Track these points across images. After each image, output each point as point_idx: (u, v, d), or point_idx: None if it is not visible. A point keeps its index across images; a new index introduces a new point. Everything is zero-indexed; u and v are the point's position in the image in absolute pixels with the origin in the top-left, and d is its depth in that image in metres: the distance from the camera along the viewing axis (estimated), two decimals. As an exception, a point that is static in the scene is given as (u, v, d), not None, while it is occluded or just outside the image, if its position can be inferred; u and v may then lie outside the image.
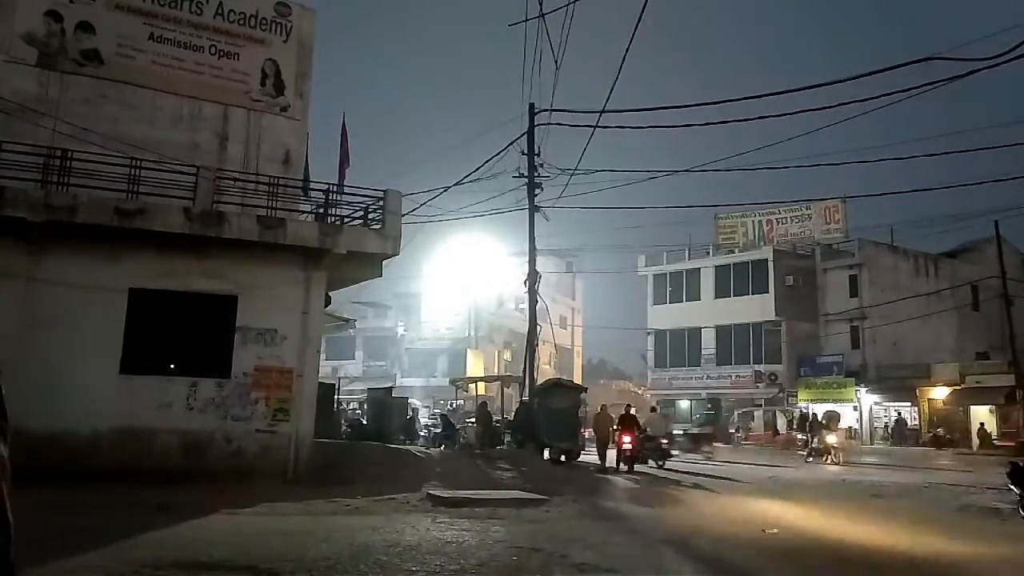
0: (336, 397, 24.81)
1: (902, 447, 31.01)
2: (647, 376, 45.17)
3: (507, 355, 48.22)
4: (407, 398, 31.39)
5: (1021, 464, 10.64)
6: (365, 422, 25.91)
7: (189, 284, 12.76)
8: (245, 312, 12.96)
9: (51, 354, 11.36)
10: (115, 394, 11.99)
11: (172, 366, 12.62)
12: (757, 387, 37.52)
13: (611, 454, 18.81)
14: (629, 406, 21.32)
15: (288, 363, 13.06)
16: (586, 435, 21.92)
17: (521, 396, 21.70)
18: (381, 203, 13.75)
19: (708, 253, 41.11)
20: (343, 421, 26.12)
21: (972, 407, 31.88)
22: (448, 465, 15.44)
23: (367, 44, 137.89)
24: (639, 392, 50.43)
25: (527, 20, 15.14)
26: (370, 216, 14.04)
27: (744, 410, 37.04)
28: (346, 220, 14.22)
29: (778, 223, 38.63)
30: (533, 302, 21.17)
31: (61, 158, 12.03)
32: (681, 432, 25.38)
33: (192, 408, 12.44)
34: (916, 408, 33.70)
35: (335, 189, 14.54)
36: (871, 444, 33.38)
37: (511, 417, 22.36)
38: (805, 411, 32.96)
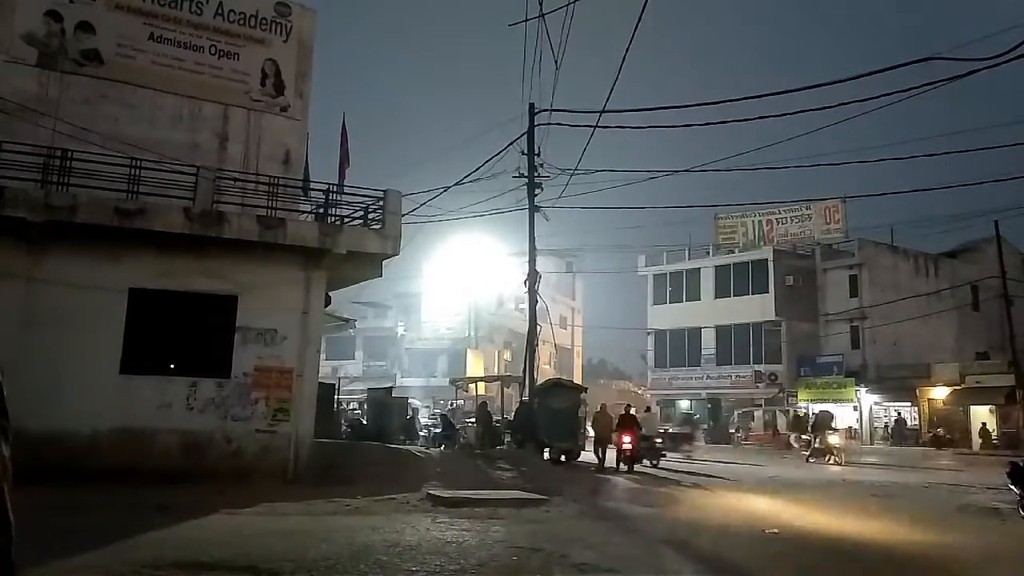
0: (336, 397, 24.81)
1: (902, 447, 31.02)
2: (647, 376, 45.19)
3: (507, 355, 48.23)
4: (407, 398, 31.39)
5: (1021, 464, 10.64)
6: (365, 422, 25.90)
7: (189, 284, 12.76)
8: (245, 312, 12.96)
9: (51, 354, 11.36)
10: (115, 394, 11.99)
11: (172, 366, 12.62)
12: (757, 387, 37.53)
13: (610, 454, 18.82)
14: (629, 406, 21.34)
15: (288, 363, 13.06)
16: (589, 435, 21.90)
17: (521, 396, 21.70)
18: (381, 203, 13.75)
19: (708, 253, 41.12)
20: (343, 421, 26.11)
21: (972, 407, 31.89)
22: (448, 465, 15.44)
23: (367, 44, 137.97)
24: (639, 392, 50.45)
25: (527, 20, 15.16)
26: (370, 216, 14.04)
27: (744, 410, 37.06)
28: (346, 220, 14.22)
29: (778, 223, 38.64)
30: (533, 302, 21.17)
31: (61, 158, 12.03)
32: (662, 431, 25.44)
33: (192, 408, 12.44)
34: (916, 408, 33.70)
35: (335, 189, 14.54)
36: (871, 444, 33.39)
37: (511, 417, 22.36)
38: (799, 411, 33.31)
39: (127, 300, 12.34)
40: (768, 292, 37.56)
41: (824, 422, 23.97)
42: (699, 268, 40.92)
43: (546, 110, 19.62)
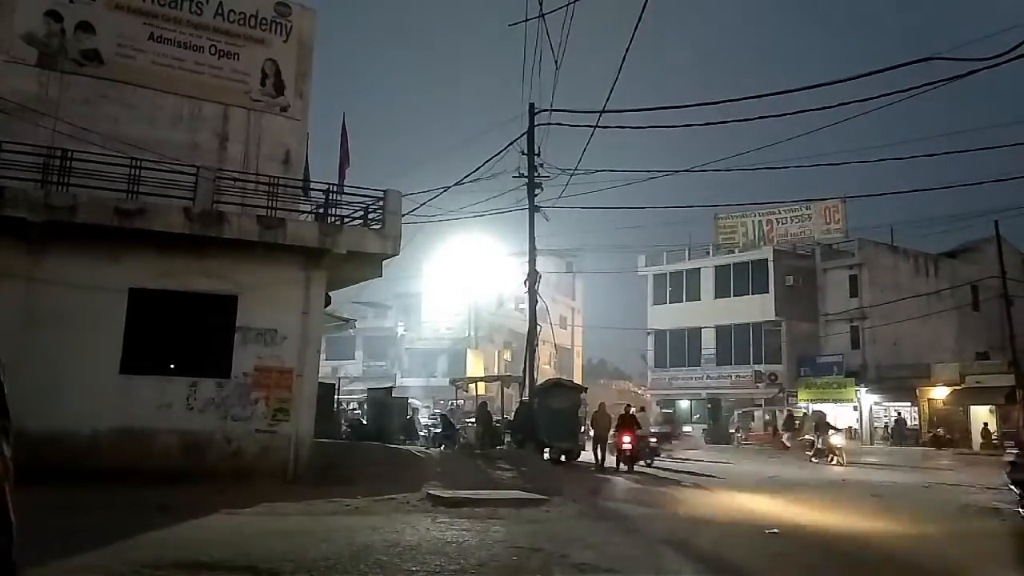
0: (336, 397, 24.80)
1: (902, 447, 31.00)
2: (647, 376, 45.18)
3: (507, 355, 48.23)
4: (407, 398, 31.38)
5: (1021, 464, 10.62)
6: (365, 422, 25.89)
7: (189, 284, 12.76)
8: (245, 312, 12.96)
9: (51, 354, 11.36)
10: (115, 394, 11.99)
11: (172, 366, 12.62)
12: (757, 387, 37.53)
13: (609, 455, 18.85)
14: (629, 406, 21.35)
15: (288, 363, 13.06)
16: (589, 435, 21.92)
17: (521, 396, 21.69)
18: (381, 203, 13.75)
19: (708, 253, 41.11)
20: (343, 421, 26.10)
21: (972, 407, 31.88)
22: (448, 465, 15.44)
23: (367, 44, 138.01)
24: (639, 392, 50.45)
25: (527, 20, 15.14)
26: (370, 216, 14.04)
27: (744, 410, 37.06)
28: (346, 220, 14.22)
29: (778, 223, 38.64)
30: (533, 302, 21.16)
31: (61, 158, 12.03)
32: (653, 431, 25.50)
33: (192, 408, 12.44)
34: (916, 408, 33.70)
35: (335, 189, 14.54)
36: (871, 444, 33.38)
37: (511, 417, 22.36)
38: (792, 411, 33.57)
39: (127, 300, 12.34)
40: (768, 292, 37.56)
41: (821, 422, 24.01)
42: (699, 268, 40.92)
43: (546, 110, 19.63)
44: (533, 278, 21.09)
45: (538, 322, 20.97)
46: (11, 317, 11.25)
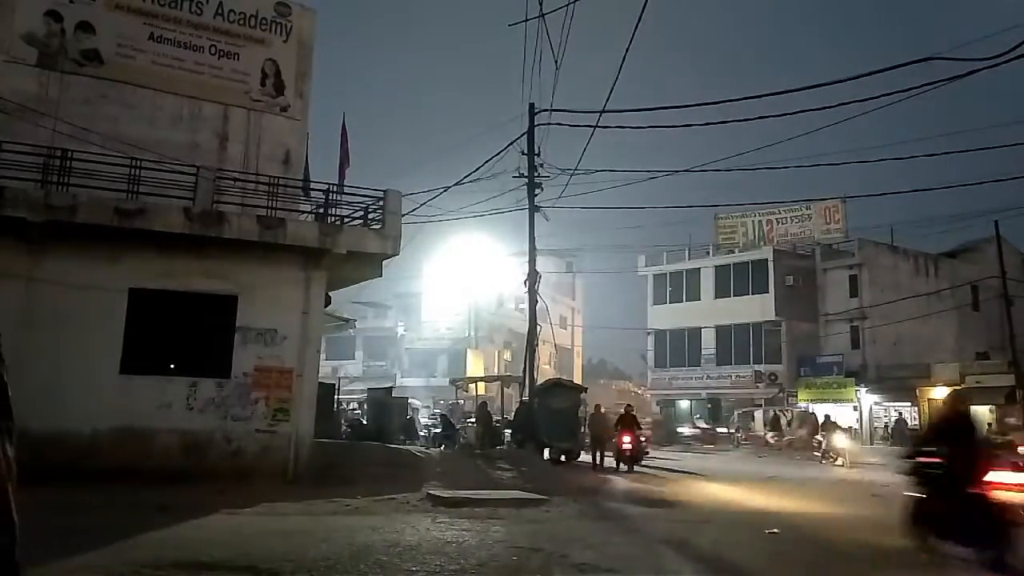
0: (336, 397, 24.80)
1: (903, 447, 30.98)
2: (647, 376, 45.17)
3: (507, 355, 48.22)
4: (407, 398, 31.38)
5: (1022, 464, 10.63)
6: (365, 422, 25.90)
7: (189, 284, 12.76)
8: (245, 312, 12.96)
9: (51, 354, 11.36)
10: (115, 394, 12.00)
11: (172, 366, 12.63)
12: (757, 387, 37.51)
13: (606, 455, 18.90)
14: (629, 406, 21.37)
15: (288, 363, 13.06)
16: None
17: (521, 396, 21.70)
18: (381, 203, 13.76)
19: (708, 253, 41.09)
20: (343, 421, 26.11)
21: (972, 407, 31.81)
22: (448, 465, 15.44)
23: (367, 44, 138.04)
24: (639, 392, 50.45)
25: (527, 20, 15.14)
26: (370, 216, 14.05)
27: (744, 410, 37.05)
28: (346, 220, 14.22)
29: (778, 223, 38.62)
30: (533, 302, 21.16)
31: (61, 158, 12.03)
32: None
33: (192, 408, 12.45)
34: (916, 408, 33.67)
35: (335, 189, 14.54)
36: (871, 444, 33.36)
37: (511, 417, 22.37)
38: (775, 412, 33.93)
39: (127, 300, 12.35)
40: (768, 292, 37.53)
41: (828, 422, 24.21)
42: (699, 268, 40.89)
43: (546, 110, 19.64)
44: (533, 278, 21.09)
45: (538, 322, 20.97)
46: (11, 317, 11.23)
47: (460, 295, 45.97)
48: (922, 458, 7.86)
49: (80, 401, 11.62)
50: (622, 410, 19.79)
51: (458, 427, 24.88)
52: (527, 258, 21.61)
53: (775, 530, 9.26)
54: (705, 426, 33.98)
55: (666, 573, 7.17)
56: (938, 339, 35.86)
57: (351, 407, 32.16)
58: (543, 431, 19.33)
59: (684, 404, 41.30)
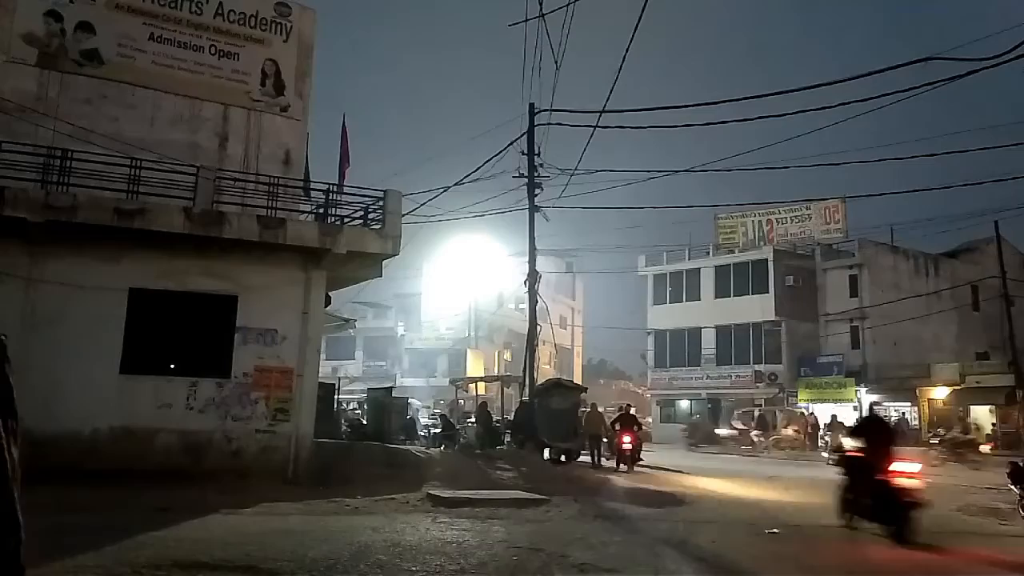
0: (336, 397, 24.76)
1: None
2: (647, 376, 45.17)
3: (507, 355, 48.22)
4: (407, 398, 31.33)
5: (1021, 464, 10.65)
6: (365, 422, 25.87)
7: (189, 284, 12.76)
8: (245, 312, 12.96)
9: (51, 354, 11.36)
10: (115, 394, 12.00)
11: (172, 366, 12.63)
12: (757, 387, 37.52)
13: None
14: (629, 406, 21.40)
15: (288, 363, 13.06)
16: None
17: (521, 396, 21.70)
18: (381, 203, 13.76)
19: (708, 253, 41.10)
20: (343, 421, 26.07)
21: (972, 407, 31.85)
22: (448, 465, 15.44)
23: (367, 44, 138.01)
24: (639, 392, 50.45)
25: (527, 20, 15.11)
26: (370, 216, 14.05)
27: (744, 410, 37.06)
28: (346, 220, 14.22)
29: (778, 223, 38.62)
30: (533, 302, 21.16)
31: (61, 158, 12.03)
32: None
33: (192, 408, 12.45)
34: (916, 408, 33.69)
35: (335, 189, 14.54)
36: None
37: (511, 417, 22.36)
38: (761, 412, 34.22)
39: (127, 300, 12.35)
40: (768, 292, 37.53)
41: (835, 423, 24.43)
42: (699, 268, 40.89)
43: (546, 110, 19.63)
44: (533, 278, 21.08)
45: (538, 322, 20.97)
46: (11, 317, 11.23)
47: (460, 295, 45.96)
48: (848, 451, 9.73)
49: (80, 401, 11.62)
50: (621, 409, 19.80)
51: (458, 427, 24.86)
52: (527, 258, 21.60)
53: (775, 530, 9.26)
54: (742, 426, 33.72)
55: (666, 573, 7.17)
56: (938, 339, 35.87)
57: (351, 407, 32.12)
58: (543, 431, 19.33)
59: (684, 404, 41.31)
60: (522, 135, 20.75)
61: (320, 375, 15.44)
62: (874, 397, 34.55)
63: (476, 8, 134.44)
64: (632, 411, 20.55)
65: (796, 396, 35.52)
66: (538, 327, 20.92)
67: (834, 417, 27.66)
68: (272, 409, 12.85)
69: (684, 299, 41.19)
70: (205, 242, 12.48)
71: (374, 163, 54.55)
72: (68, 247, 11.86)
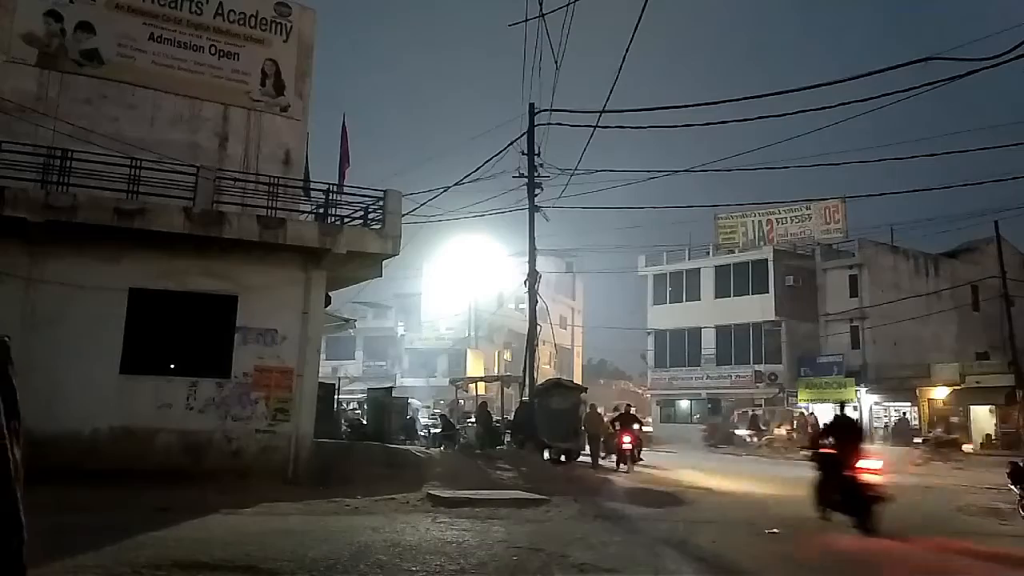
0: (336, 397, 24.76)
1: (906, 447, 31.01)
2: (647, 376, 45.17)
3: (507, 355, 48.21)
4: (407, 398, 31.33)
5: (1021, 464, 10.65)
6: (365, 422, 25.86)
7: (189, 284, 12.76)
8: (245, 312, 12.97)
9: (51, 354, 11.35)
10: (115, 394, 12.00)
11: (172, 366, 12.63)
12: (757, 387, 37.53)
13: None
14: (629, 405, 21.40)
15: (288, 363, 13.06)
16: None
17: (521, 396, 21.70)
18: (381, 203, 13.76)
19: (708, 253, 41.10)
20: (343, 421, 26.07)
21: (972, 407, 31.86)
22: (448, 465, 15.44)
23: (367, 44, 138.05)
24: (639, 392, 50.44)
25: (527, 20, 15.10)
26: (370, 216, 14.05)
27: (744, 410, 37.09)
28: (346, 220, 14.22)
29: (778, 223, 38.62)
30: (533, 302, 21.16)
31: (61, 158, 12.03)
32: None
33: (192, 408, 12.45)
34: (916, 408, 33.68)
35: (335, 189, 14.54)
36: (871, 444, 33.38)
37: (511, 417, 22.36)
38: (754, 412, 34.44)
39: (127, 300, 12.35)
40: (768, 292, 37.53)
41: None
42: (699, 268, 40.89)
43: (546, 110, 19.62)
44: (533, 278, 21.08)
45: (538, 322, 20.96)
46: (11, 317, 11.23)
47: (460, 295, 45.96)
48: (820, 449, 10.45)
49: (80, 401, 11.62)
50: (622, 409, 19.79)
51: (458, 427, 24.86)
52: (527, 258, 21.60)
53: (775, 530, 9.26)
54: (763, 427, 33.75)
55: (666, 573, 7.17)
56: (938, 339, 35.86)
57: (351, 407, 32.12)
58: (543, 431, 19.33)
59: (684, 404, 41.31)
60: (522, 135, 20.77)
61: (320, 375, 15.44)
62: (874, 397, 34.61)
63: (476, 8, 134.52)
64: (632, 411, 20.54)
65: (796, 396, 35.52)
66: (538, 327, 20.91)
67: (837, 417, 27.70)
68: (272, 409, 12.85)
69: (684, 299, 41.18)
70: (205, 242, 12.48)
71: (374, 163, 54.60)
72: (68, 247, 11.86)
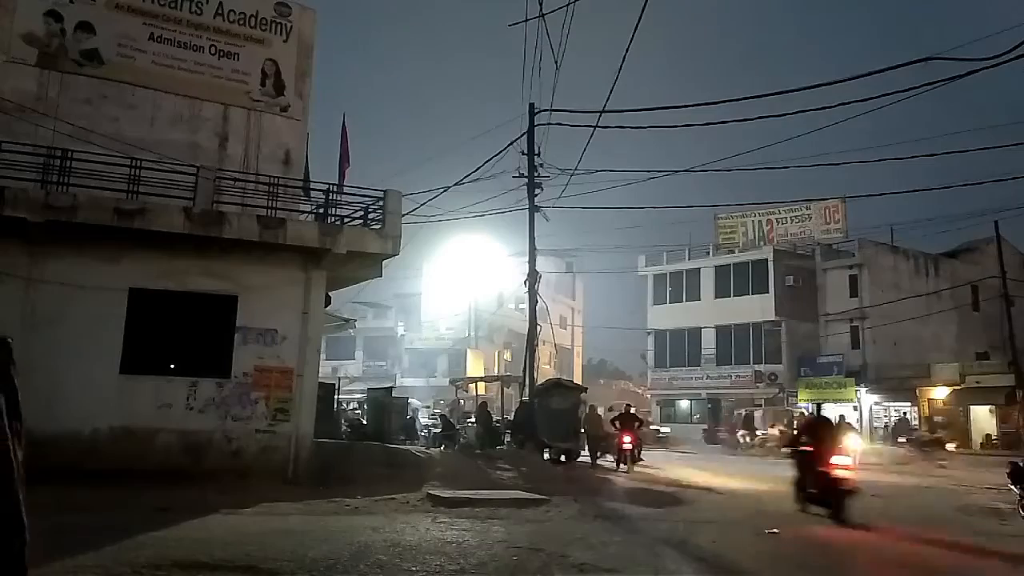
0: (336, 397, 24.77)
1: (906, 448, 31.02)
2: (647, 376, 45.17)
3: (507, 355, 48.22)
4: (407, 398, 31.35)
5: (1021, 464, 10.66)
6: (365, 422, 25.87)
7: (189, 284, 12.76)
8: (245, 312, 12.96)
9: (51, 354, 11.34)
10: (115, 394, 12.00)
11: (172, 366, 12.62)
12: (757, 387, 37.53)
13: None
14: (629, 405, 21.41)
15: (288, 363, 13.06)
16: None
17: (521, 396, 21.70)
18: (381, 203, 13.75)
19: (708, 253, 41.11)
20: (343, 421, 26.07)
21: (972, 407, 31.86)
22: (448, 465, 15.44)
23: (367, 44, 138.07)
24: (639, 392, 50.45)
25: (527, 20, 15.11)
26: (370, 216, 14.04)
27: (743, 410, 37.08)
28: (346, 220, 14.22)
29: (778, 223, 38.63)
30: (533, 302, 21.16)
31: (61, 158, 12.03)
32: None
33: (192, 408, 12.44)
34: (916, 408, 33.69)
35: (335, 189, 14.54)
36: (871, 444, 33.37)
37: (511, 417, 22.36)
38: (746, 412, 34.41)
39: (127, 300, 12.34)
40: (768, 292, 37.54)
41: (842, 423, 24.58)
42: (699, 268, 40.90)
43: (546, 110, 19.63)
44: (533, 278, 21.08)
45: (538, 322, 20.97)
46: (11, 317, 11.23)
47: (460, 295, 45.96)
48: (799, 447, 11.27)
49: (80, 401, 11.62)
50: (622, 409, 19.79)
51: (458, 427, 24.87)
52: (527, 258, 21.60)
53: (775, 530, 9.27)
54: (756, 427, 33.59)
55: (666, 573, 7.17)
56: (938, 339, 35.87)
57: (351, 407, 32.13)
58: (543, 431, 19.33)
59: (684, 404, 41.31)
60: (522, 135, 20.78)
61: (320, 375, 15.44)
62: (874, 397, 34.62)
63: (476, 8, 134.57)
64: (632, 410, 20.54)
65: (796, 396, 35.52)
66: (538, 327, 20.92)
67: (842, 418, 27.55)
68: (272, 409, 12.85)
69: (684, 299, 41.19)
70: (205, 242, 12.48)
71: (374, 163, 54.64)
72: (68, 247, 11.86)
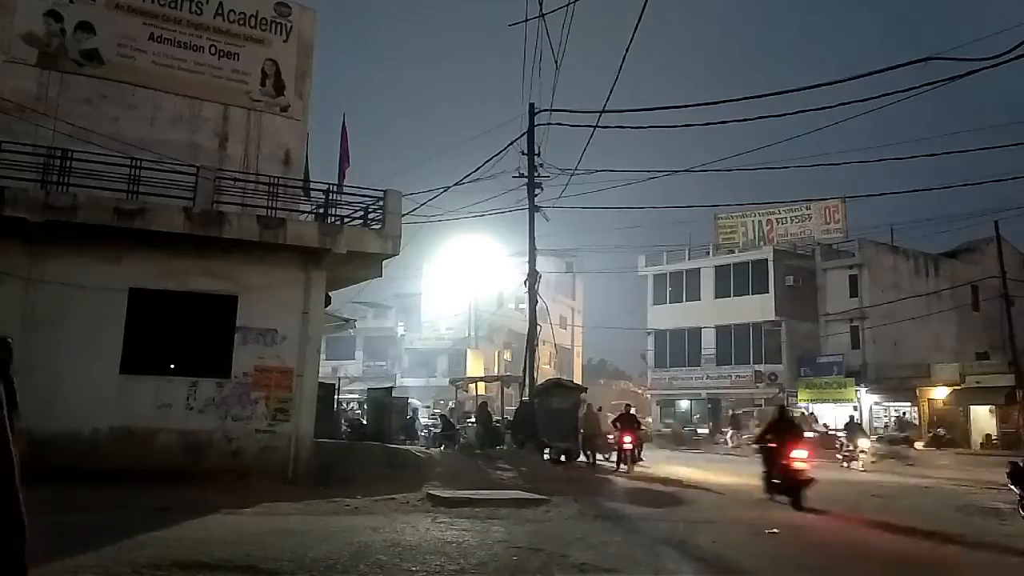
0: (336, 397, 24.78)
1: (905, 447, 31.03)
2: (647, 376, 45.19)
3: (507, 355, 48.23)
4: (407, 398, 31.35)
5: (1021, 464, 10.65)
6: (365, 422, 25.87)
7: (189, 284, 12.76)
8: (245, 312, 12.96)
9: (51, 354, 11.35)
10: (115, 394, 12.00)
11: (172, 366, 12.62)
12: (757, 387, 37.55)
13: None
14: (629, 405, 21.40)
15: (288, 363, 13.06)
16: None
17: (521, 396, 21.70)
18: (381, 203, 13.75)
19: (708, 253, 41.13)
20: (343, 421, 26.08)
21: (972, 407, 31.87)
22: (448, 465, 15.45)
23: (367, 44, 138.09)
24: (639, 392, 50.46)
25: (527, 20, 15.11)
26: (370, 216, 14.05)
27: (744, 410, 37.09)
28: (346, 220, 14.22)
29: (778, 223, 38.64)
30: (533, 302, 21.17)
31: (61, 158, 12.03)
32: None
33: (192, 408, 12.44)
34: (916, 408, 33.71)
35: (335, 189, 14.54)
36: (868, 441, 33.41)
37: (511, 417, 22.37)
38: (736, 412, 34.51)
39: (127, 300, 12.34)
40: (768, 292, 37.56)
41: (852, 425, 24.71)
42: (699, 268, 40.92)
43: (546, 110, 19.63)
44: (533, 278, 21.09)
45: (538, 322, 20.98)
46: (11, 317, 11.22)
47: (460, 295, 45.96)
48: (766, 443, 12.36)
49: (80, 401, 11.62)
50: (622, 409, 19.79)
51: (458, 427, 24.87)
52: (527, 258, 21.61)
53: (775, 530, 9.26)
54: (741, 427, 33.54)
55: (666, 573, 7.17)
56: (938, 339, 35.89)
57: (351, 407, 32.15)
58: (543, 431, 19.33)
59: (684, 404, 41.32)
60: (522, 135, 20.79)
61: (320, 375, 15.44)
62: (874, 397, 34.64)
63: (476, 8, 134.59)
64: (632, 411, 20.55)
65: (796, 396, 35.54)
66: (538, 327, 20.93)
67: (851, 418, 27.46)
68: (272, 409, 12.85)
69: (684, 299, 41.22)
70: (205, 242, 12.48)
71: (374, 163, 54.66)
72: (68, 247, 11.86)
